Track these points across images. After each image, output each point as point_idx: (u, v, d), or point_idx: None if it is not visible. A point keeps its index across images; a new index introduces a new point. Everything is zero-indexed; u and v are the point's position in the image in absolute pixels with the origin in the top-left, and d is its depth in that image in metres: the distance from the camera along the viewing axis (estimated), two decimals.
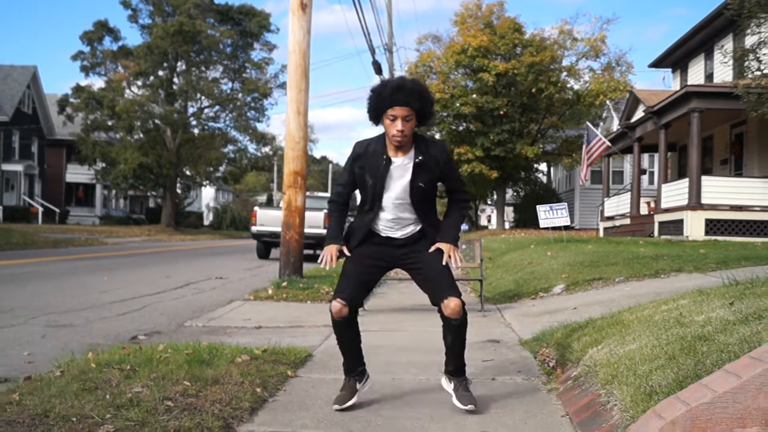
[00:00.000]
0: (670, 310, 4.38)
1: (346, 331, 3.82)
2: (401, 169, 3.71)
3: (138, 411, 3.36)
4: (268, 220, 17.95)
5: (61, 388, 3.73)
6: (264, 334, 6.45)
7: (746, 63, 13.52)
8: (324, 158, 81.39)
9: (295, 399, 4.05)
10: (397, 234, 3.82)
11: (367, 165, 3.74)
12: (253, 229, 18.40)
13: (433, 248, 3.75)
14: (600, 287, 8.41)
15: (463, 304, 3.68)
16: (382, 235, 3.82)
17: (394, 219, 3.79)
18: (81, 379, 3.93)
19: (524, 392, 4.20)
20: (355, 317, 3.83)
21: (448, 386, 3.88)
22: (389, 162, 3.71)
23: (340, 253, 3.83)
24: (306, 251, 12.21)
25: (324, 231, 17.73)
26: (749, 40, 14.24)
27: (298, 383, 4.44)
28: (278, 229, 17.11)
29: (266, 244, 18.72)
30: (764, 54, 12.82)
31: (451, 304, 3.64)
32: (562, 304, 7.65)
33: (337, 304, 3.72)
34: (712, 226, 16.24)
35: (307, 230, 11.24)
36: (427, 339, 5.77)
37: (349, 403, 3.79)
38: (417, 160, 3.68)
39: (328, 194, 26.05)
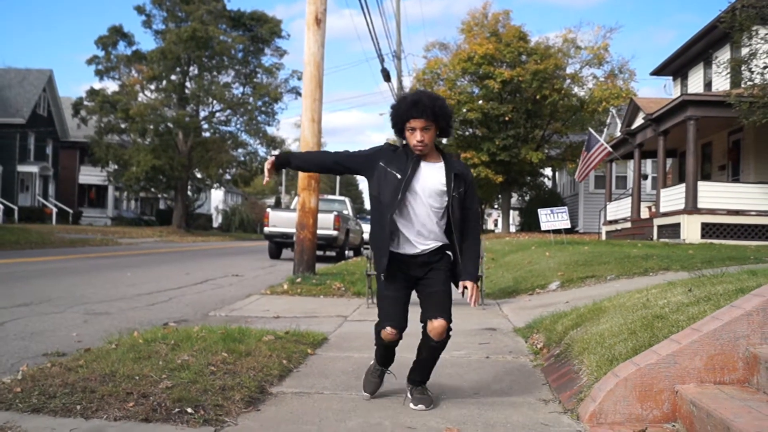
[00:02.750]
0: (641, 297, 5.05)
1: (392, 349, 3.94)
2: (431, 170, 3.76)
3: (188, 373, 4.04)
4: (280, 221, 18.65)
5: (120, 357, 4.43)
6: (282, 323, 7.11)
7: (742, 73, 14.15)
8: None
9: (315, 370, 4.72)
10: (418, 248, 3.76)
11: (395, 162, 3.77)
12: (266, 230, 19.09)
13: (460, 287, 3.75)
14: (592, 284, 9.05)
15: (449, 329, 3.71)
16: (401, 252, 3.76)
17: (418, 228, 3.76)
18: (134, 351, 4.62)
19: (513, 367, 4.86)
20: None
21: (407, 389, 3.98)
22: (419, 160, 3.76)
23: (278, 167, 4.02)
24: (317, 252, 12.88)
25: (334, 232, 18.42)
26: (744, 51, 14.86)
27: (317, 359, 5.12)
28: (289, 230, 17.91)
29: (278, 244, 19.41)
30: (755, 65, 13.44)
31: (435, 323, 3.66)
32: (556, 298, 8.29)
33: (390, 332, 3.72)
34: (708, 230, 16.84)
35: (318, 231, 11.88)
36: None
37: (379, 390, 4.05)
38: (456, 171, 3.76)
39: (337, 197, 26.75)
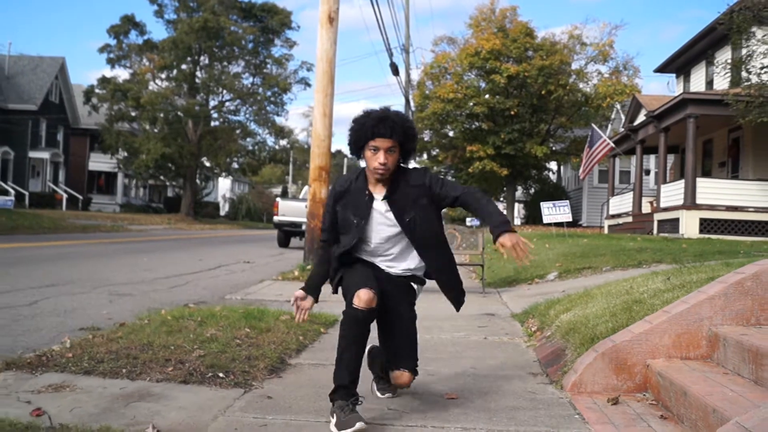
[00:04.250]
0: (625, 285, 5.54)
1: (365, 332, 3.30)
2: (384, 206, 3.43)
3: (217, 344, 4.55)
4: (289, 210, 19.15)
5: (153, 330, 4.93)
6: (292, 308, 7.60)
7: (742, 72, 14.56)
8: (339, 152, 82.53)
9: (328, 346, 5.21)
10: (392, 271, 3.54)
11: (351, 203, 3.45)
12: (275, 219, 19.59)
13: (497, 243, 3.25)
14: (589, 275, 9.52)
15: (413, 378, 3.51)
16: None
17: (384, 258, 3.53)
18: (165, 326, 5.12)
19: (508, 347, 5.35)
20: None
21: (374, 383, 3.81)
22: (371, 198, 3.43)
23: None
24: None
25: None
26: (742, 52, 15.25)
27: (329, 337, 5.60)
28: (298, 219, 18.43)
29: (286, 233, 19.92)
30: (752, 66, 13.85)
31: (404, 377, 3.46)
32: (553, 288, 8.77)
33: (368, 293, 3.23)
34: (707, 225, 17.27)
35: None
36: (433, 308, 6.91)
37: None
38: (389, 197, 3.41)
39: None
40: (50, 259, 12.59)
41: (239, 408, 3.49)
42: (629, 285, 5.45)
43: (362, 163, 3.55)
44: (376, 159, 3.30)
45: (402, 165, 3.48)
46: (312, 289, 3.55)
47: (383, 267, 3.51)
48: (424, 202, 3.41)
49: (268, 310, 6.14)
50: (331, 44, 10.99)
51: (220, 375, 3.99)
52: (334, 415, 3.12)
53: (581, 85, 33.05)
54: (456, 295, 3.66)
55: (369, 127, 3.31)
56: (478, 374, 4.36)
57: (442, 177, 3.51)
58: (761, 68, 13.76)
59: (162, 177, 46.50)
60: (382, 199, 3.41)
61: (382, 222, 3.42)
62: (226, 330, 5.00)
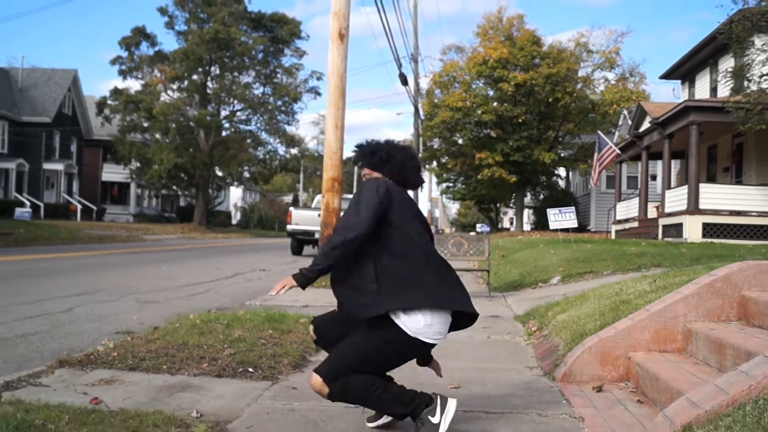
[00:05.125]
0: (616, 287, 6.00)
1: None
2: None
3: (245, 344, 5.05)
4: (302, 219, 19.67)
5: (186, 332, 5.44)
6: (311, 311, 8.10)
7: (743, 81, 14.99)
8: (349, 160, 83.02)
9: None
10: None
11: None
12: (288, 227, 20.11)
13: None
14: (590, 279, 9.96)
15: (324, 383, 3.30)
16: None
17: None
18: (196, 328, 5.63)
19: (509, 345, 5.83)
20: None
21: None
22: None
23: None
24: None
25: None
26: (743, 60, 15.68)
27: None
28: (311, 227, 18.94)
29: (300, 241, 20.44)
30: (752, 74, 14.27)
31: (312, 378, 3.36)
32: (555, 291, 9.23)
33: (312, 331, 3.69)
34: (710, 230, 17.66)
35: None
36: None
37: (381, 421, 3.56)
38: None
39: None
40: (74, 269, 13.14)
41: (269, 397, 3.99)
42: (619, 287, 5.92)
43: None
44: None
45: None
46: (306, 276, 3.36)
47: None
48: None
49: (288, 314, 6.64)
50: (342, 60, 11.50)
51: (250, 370, 4.49)
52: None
53: (588, 92, 33.52)
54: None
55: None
56: (480, 368, 4.84)
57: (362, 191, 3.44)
58: (760, 76, 14.18)
59: (174, 187, 47.12)
60: None
61: None
62: (252, 331, 5.51)
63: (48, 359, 4.91)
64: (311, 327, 3.62)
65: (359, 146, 3.68)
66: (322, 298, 9.45)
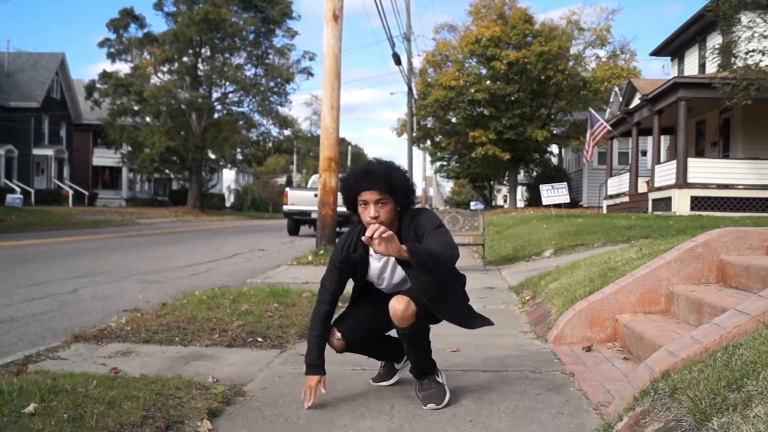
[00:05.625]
0: (605, 256, 6.27)
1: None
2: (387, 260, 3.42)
3: (252, 316, 5.30)
4: (298, 200, 19.87)
5: (194, 307, 5.68)
6: (311, 287, 8.28)
7: (731, 58, 15.23)
8: (343, 140, 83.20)
9: None
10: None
11: (358, 263, 3.47)
12: (285, 208, 20.31)
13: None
14: (581, 251, 10.24)
15: (415, 309, 3.26)
16: None
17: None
18: (203, 303, 5.87)
19: (503, 312, 6.10)
20: None
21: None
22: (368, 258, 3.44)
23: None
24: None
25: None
26: (729, 36, 15.90)
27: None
28: (307, 207, 19.15)
29: (296, 221, 20.66)
30: (738, 51, 14.51)
31: (400, 302, 3.27)
32: (548, 263, 9.50)
33: (337, 337, 3.52)
34: (698, 203, 17.98)
35: (337, 209, 13.04)
36: None
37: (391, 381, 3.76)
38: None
39: None
40: (73, 253, 13.34)
41: (279, 363, 4.25)
42: (608, 256, 6.20)
43: None
44: (367, 213, 3.26)
45: (410, 208, 3.41)
46: (317, 366, 3.40)
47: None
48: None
49: (291, 289, 6.88)
50: (336, 41, 11.68)
51: (259, 340, 4.74)
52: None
53: (580, 70, 33.74)
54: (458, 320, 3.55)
55: (353, 183, 3.30)
56: (476, 333, 5.04)
57: (430, 222, 3.32)
58: (746, 53, 14.42)
59: (167, 170, 47.13)
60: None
61: (390, 271, 3.45)
62: (258, 305, 5.75)
63: (61, 336, 5.13)
64: (338, 334, 3.47)
65: (393, 172, 3.34)
66: (321, 275, 9.69)
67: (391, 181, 3.26)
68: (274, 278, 9.40)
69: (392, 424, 3.12)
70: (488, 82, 33.03)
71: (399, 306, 3.22)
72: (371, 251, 3.33)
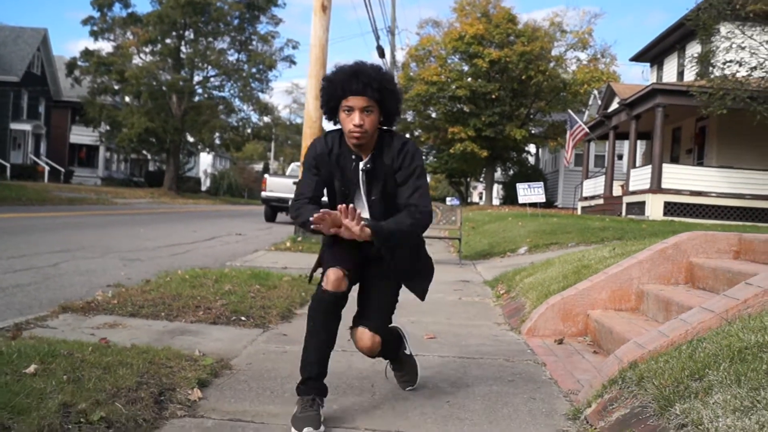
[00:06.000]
0: (579, 255, 6.49)
1: (333, 318, 3.04)
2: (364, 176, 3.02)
3: (235, 296, 5.43)
4: (276, 186, 19.96)
5: (178, 285, 5.79)
6: (290, 272, 8.47)
7: (709, 67, 15.58)
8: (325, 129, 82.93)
9: None
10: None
11: (334, 167, 3.03)
12: (263, 194, 20.39)
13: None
14: (556, 249, 10.48)
15: (380, 340, 3.09)
16: None
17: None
18: (187, 282, 5.99)
19: (479, 305, 6.29)
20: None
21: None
22: (359, 160, 3.00)
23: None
24: None
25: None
26: (708, 47, 16.26)
27: None
28: (285, 194, 19.22)
29: (274, 208, 20.74)
30: (716, 60, 14.85)
31: (363, 336, 3.06)
32: (523, 260, 9.72)
33: (336, 273, 2.93)
34: (671, 208, 18.35)
35: None
36: None
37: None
38: (366, 166, 2.98)
39: None
40: (51, 228, 13.31)
41: (262, 341, 4.39)
42: (582, 254, 6.41)
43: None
44: (350, 120, 2.88)
45: (386, 128, 3.06)
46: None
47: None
48: (392, 181, 3.01)
49: (272, 272, 7.02)
50: (323, 31, 11.79)
51: (242, 318, 4.88)
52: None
53: (560, 72, 34.11)
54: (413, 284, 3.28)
55: (340, 83, 2.88)
56: (453, 323, 5.28)
57: (418, 165, 3.01)
58: (724, 63, 14.77)
59: (145, 151, 46.84)
60: (362, 169, 3.00)
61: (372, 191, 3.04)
62: (240, 286, 5.88)
63: (47, 307, 5.21)
64: (341, 279, 2.96)
65: (386, 76, 2.96)
66: (300, 261, 9.82)
67: (384, 88, 2.89)
68: (253, 262, 9.51)
69: (373, 401, 3.28)
70: (470, 79, 33.29)
71: (364, 344, 3.06)
72: (353, 158, 2.99)
